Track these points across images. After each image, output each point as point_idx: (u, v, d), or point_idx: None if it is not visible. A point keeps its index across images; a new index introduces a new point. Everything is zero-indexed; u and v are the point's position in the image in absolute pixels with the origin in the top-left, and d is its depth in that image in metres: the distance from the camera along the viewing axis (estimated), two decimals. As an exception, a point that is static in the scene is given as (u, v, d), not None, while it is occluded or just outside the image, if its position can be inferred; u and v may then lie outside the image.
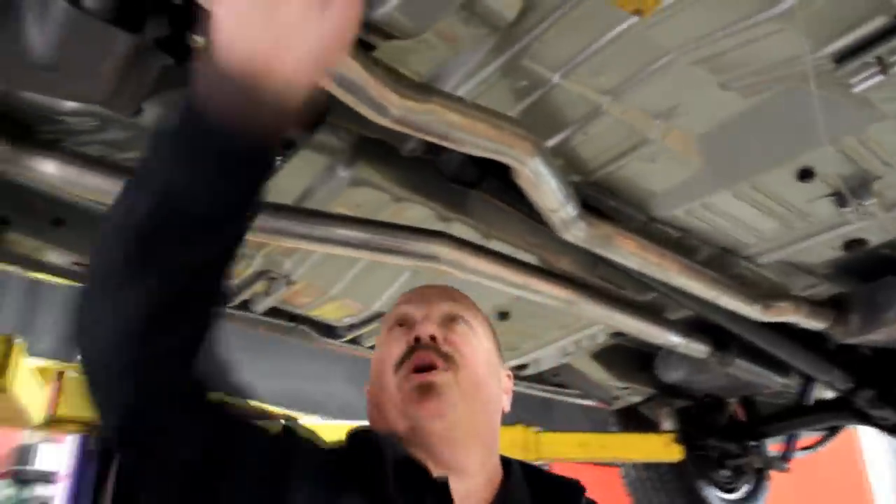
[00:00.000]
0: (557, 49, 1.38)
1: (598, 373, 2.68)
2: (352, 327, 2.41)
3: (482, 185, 1.73)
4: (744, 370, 2.47)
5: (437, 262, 1.73)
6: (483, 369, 1.16)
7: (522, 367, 2.63)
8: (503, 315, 2.29)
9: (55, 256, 1.92)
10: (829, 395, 2.91)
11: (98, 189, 1.56)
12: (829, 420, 2.97)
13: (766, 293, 2.02)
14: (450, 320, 1.19)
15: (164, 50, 1.30)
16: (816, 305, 2.13)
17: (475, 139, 1.33)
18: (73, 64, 1.28)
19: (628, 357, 2.74)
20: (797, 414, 2.93)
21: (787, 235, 1.87)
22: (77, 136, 1.64)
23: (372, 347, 2.42)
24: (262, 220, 1.62)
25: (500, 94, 1.48)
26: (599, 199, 1.76)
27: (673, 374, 2.65)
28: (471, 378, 1.13)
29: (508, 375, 1.26)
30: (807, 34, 1.32)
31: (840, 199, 1.69)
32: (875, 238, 1.89)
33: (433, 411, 1.08)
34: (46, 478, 4.99)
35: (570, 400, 3.05)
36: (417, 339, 1.14)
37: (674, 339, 2.27)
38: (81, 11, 1.19)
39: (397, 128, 1.27)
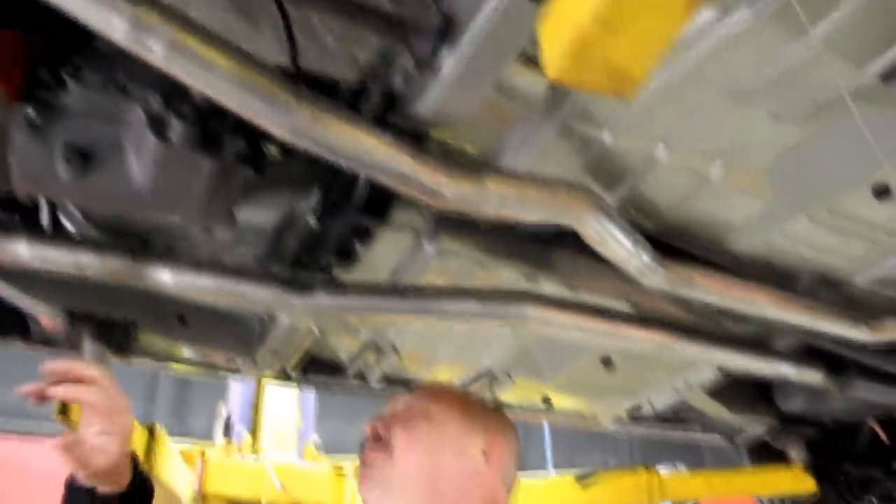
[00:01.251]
0: (601, 108, 1.45)
1: (715, 408, 2.64)
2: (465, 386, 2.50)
3: (561, 240, 1.80)
4: (869, 392, 2.37)
5: (525, 321, 1.80)
6: (423, 444, 1.36)
7: (637, 407, 2.63)
8: (607, 362, 2.32)
9: (184, 349, 2.13)
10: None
11: (210, 290, 1.74)
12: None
13: (871, 313, 1.96)
14: (399, 415, 1.42)
15: (244, 163, 1.47)
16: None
17: (532, 208, 1.40)
18: (168, 189, 1.46)
19: (745, 389, 2.68)
20: (945, 431, 2.77)
21: (877, 253, 1.83)
22: (188, 242, 1.84)
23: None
24: (358, 300, 1.76)
25: (559, 157, 1.56)
26: (677, 239, 1.79)
27: (793, 404, 2.58)
28: (406, 453, 1.34)
29: (491, 443, 1.40)
30: (844, 58, 1.33)
31: (924, 213, 1.65)
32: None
33: (366, 484, 1.34)
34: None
35: (696, 437, 3.00)
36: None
37: (784, 370, 2.22)
38: (169, 145, 1.37)
39: (454, 208, 1.37)
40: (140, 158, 1.43)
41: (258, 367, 2.18)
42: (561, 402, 2.62)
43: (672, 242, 1.78)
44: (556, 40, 0.85)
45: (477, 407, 1.51)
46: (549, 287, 1.93)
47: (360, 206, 1.54)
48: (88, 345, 1.95)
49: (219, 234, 1.80)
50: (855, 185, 1.62)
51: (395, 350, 2.26)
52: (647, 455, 6.27)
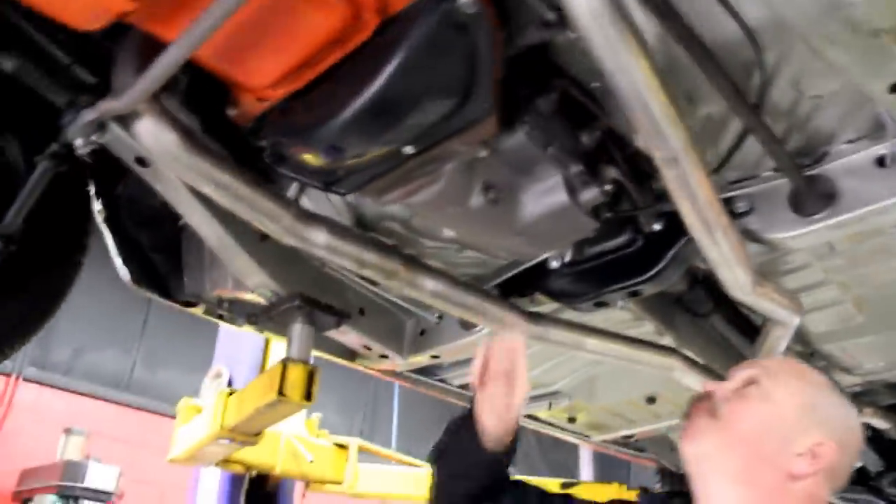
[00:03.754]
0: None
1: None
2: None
3: (711, 316, 2.30)
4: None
5: (671, 372, 2.29)
6: (749, 425, 1.34)
7: (631, 436, 3.21)
8: (650, 400, 2.85)
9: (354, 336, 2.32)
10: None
11: (462, 302, 1.98)
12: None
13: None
14: (745, 383, 1.40)
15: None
16: (881, 409, 2.84)
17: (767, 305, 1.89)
18: (546, 233, 1.75)
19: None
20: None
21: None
22: (433, 255, 2.09)
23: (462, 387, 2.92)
24: (567, 334, 2.13)
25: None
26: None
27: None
28: (730, 427, 1.34)
29: (819, 444, 1.30)
30: None
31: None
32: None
33: (685, 434, 1.40)
34: (99, 497, 5.03)
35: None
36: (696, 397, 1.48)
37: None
38: (576, 205, 1.68)
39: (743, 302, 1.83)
40: (537, 202, 1.70)
41: (405, 360, 2.43)
42: (583, 419, 3.09)
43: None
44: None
45: (825, 399, 1.40)
46: (666, 340, 2.43)
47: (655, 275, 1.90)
48: (298, 325, 2.08)
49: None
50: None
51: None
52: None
